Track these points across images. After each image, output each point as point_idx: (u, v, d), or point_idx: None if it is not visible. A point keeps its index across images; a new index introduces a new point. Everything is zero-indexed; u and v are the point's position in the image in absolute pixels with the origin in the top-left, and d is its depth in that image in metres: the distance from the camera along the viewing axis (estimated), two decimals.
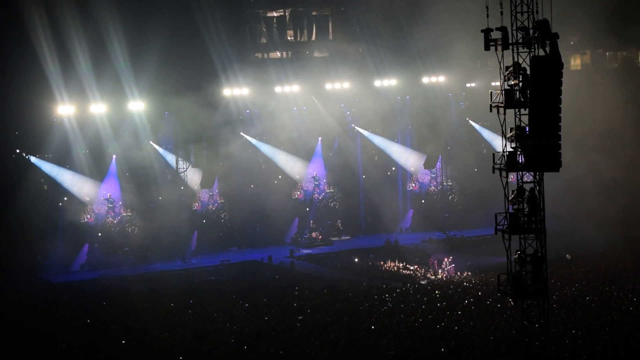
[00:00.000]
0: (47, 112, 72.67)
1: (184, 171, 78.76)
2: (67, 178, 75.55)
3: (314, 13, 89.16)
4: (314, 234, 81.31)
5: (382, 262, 70.62)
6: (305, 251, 77.85)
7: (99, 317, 52.83)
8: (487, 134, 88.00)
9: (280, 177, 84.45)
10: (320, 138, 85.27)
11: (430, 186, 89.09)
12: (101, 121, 74.73)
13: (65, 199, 75.74)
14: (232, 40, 79.94)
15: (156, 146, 78.62)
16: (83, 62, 72.62)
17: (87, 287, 65.59)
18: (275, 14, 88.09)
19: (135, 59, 73.71)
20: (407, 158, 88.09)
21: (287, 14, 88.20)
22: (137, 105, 75.42)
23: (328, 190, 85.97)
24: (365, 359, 42.42)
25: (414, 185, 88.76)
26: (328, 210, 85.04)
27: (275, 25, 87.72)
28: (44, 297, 60.80)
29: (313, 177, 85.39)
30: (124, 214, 77.29)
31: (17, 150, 73.26)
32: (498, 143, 76.79)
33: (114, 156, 76.88)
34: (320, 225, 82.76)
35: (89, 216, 76.56)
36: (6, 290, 61.42)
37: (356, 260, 73.04)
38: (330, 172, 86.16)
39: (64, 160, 75.06)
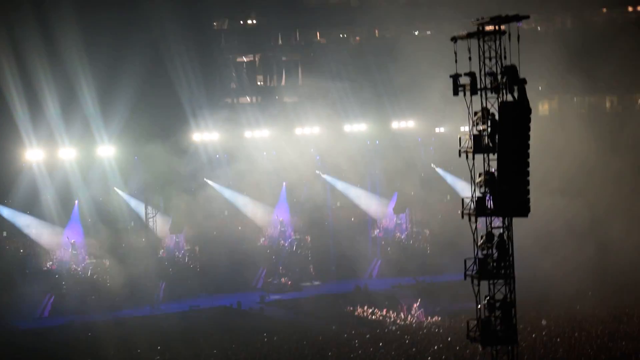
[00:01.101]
0: (15, 156, 72.30)
1: (153, 217, 78.44)
2: (26, 224, 75.06)
3: (283, 58, 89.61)
4: (283, 280, 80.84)
5: (351, 308, 70.31)
6: (275, 297, 77.42)
7: None
8: (455, 179, 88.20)
9: (245, 223, 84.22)
10: (285, 183, 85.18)
11: (396, 232, 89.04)
12: (70, 166, 74.39)
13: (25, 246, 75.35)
14: (202, 86, 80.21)
15: (121, 192, 78.33)
16: (52, 107, 72.49)
17: (55, 334, 64.68)
18: (245, 59, 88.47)
19: (105, 104, 73.79)
20: (371, 204, 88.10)
21: (256, 59, 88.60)
22: (107, 150, 75.23)
23: (295, 237, 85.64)
24: None
25: (378, 231, 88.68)
26: (296, 256, 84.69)
27: (245, 70, 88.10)
28: (11, 344, 60.13)
29: (279, 222, 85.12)
30: (89, 260, 76.65)
31: None
32: (464, 188, 77.05)
33: (76, 201, 76.49)
34: (290, 270, 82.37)
35: (51, 263, 75.96)
36: None
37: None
38: (297, 217, 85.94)
39: (30, 205, 74.61)
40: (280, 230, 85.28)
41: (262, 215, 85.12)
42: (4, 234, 74.96)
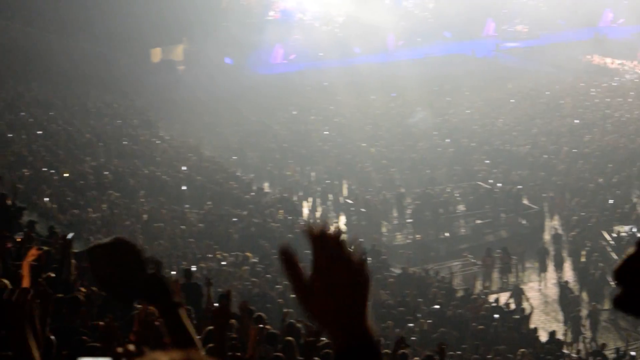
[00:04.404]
0: None
1: None
2: None
3: None
4: (518, 27, 78.38)
5: (589, 57, 68.42)
6: (510, 44, 75.48)
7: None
8: None
9: None
10: None
11: None
12: None
13: None
14: None
15: None
16: None
17: (291, 80, 64.70)
18: None
19: None
20: None
21: None
22: None
23: None
24: None
25: None
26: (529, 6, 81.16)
27: None
28: (255, 87, 61.48)
29: None
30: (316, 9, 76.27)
31: None
32: None
33: None
34: (526, 17, 79.29)
35: (273, 13, 74.98)
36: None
37: None
38: None
39: None
40: None
41: None
42: None
